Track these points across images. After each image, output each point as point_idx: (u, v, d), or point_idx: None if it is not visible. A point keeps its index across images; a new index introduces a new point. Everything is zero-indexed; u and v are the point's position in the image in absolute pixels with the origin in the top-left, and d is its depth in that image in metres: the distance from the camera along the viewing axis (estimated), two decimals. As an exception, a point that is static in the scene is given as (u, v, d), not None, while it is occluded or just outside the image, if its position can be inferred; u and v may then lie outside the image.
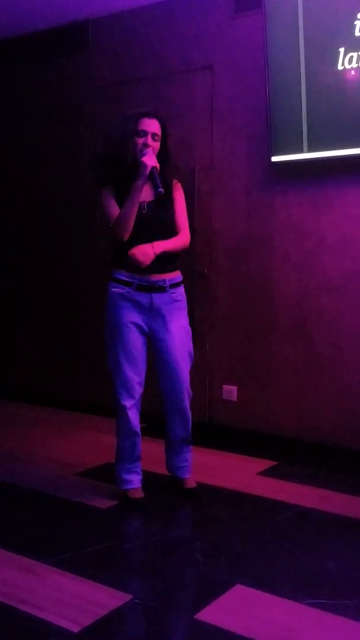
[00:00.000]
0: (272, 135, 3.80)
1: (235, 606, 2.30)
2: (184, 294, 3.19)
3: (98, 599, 2.32)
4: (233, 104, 4.11)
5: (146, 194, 3.05)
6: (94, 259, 4.78)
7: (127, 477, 3.16)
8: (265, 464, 3.76)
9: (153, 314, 3.09)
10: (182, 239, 3.15)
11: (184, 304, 3.18)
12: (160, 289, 3.08)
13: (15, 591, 2.38)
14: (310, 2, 3.59)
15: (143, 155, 2.98)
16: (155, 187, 2.95)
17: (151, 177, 2.95)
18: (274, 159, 3.82)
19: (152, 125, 3.04)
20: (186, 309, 3.20)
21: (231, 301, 4.19)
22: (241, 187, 4.11)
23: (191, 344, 3.21)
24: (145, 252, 2.99)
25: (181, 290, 3.17)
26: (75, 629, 2.15)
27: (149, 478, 3.32)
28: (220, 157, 4.17)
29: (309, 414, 3.93)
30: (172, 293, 3.12)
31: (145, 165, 2.94)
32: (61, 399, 4.99)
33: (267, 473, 3.63)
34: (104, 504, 3.18)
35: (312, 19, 3.60)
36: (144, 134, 3.02)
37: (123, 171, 3.04)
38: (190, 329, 3.21)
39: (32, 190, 5.13)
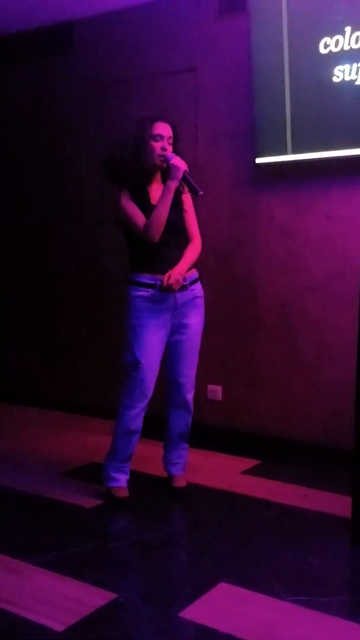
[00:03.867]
0: (256, 136, 3.82)
1: (220, 604, 2.32)
2: (202, 290, 3.25)
3: (82, 598, 2.34)
4: (217, 106, 4.13)
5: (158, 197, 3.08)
6: (83, 260, 4.78)
7: (114, 474, 3.18)
8: (249, 462, 3.78)
9: (176, 312, 3.14)
10: (195, 250, 3.22)
11: (202, 300, 3.24)
12: (182, 287, 3.12)
13: (-1, 591, 2.39)
14: (294, 4, 3.61)
15: (170, 158, 3.02)
16: (193, 190, 3.02)
17: (186, 181, 3.02)
18: (258, 160, 3.85)
19: (167, 129, 3.08)
20: (203, 305, 3.26)
21: (216, 302, 4.20)
22: (226, 189, 4.13)
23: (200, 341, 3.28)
24: (178, 280, 3.04)
25: (199, 286, 3.23)
26: (59, 628, 2.16)
27: (137, 477, 3.34)
28: (205, 159, 4.19)
29: (292, 413, 3.96)
30: (192, 290, 3.18)
31: (177, 168, 2.99)
32: (47, 399, 4.98)
33: (251, 472, 3.66)
34: (89, 503, 3.18)
35: (296, 21, 3.62)
36: (160, 138, 3.06)
37: (136, 174, 3.07)
38: (203, 324, 3.27)
39: (17, 191, 5.11)
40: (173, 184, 3.02)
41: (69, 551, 2.70)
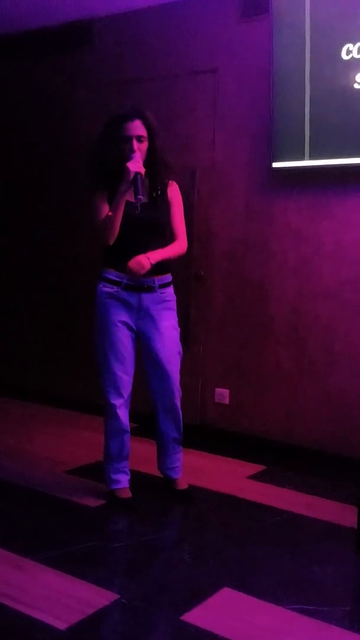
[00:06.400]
0: (274, 141, 3.81)
1: (221, 609, 2.32)
2: (174, 295, 3.20)
3: (85, 597, 2.33)
4: (236, 108, 4.12)
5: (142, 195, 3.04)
6: (88, 257, 4.77)
7: (115, 476, 3.17)
8: (255, 468, 3.77)
9: (142, 314, 3.11)
10: (178, 248, 3.16)
11: (173, 304, 3.19)
12: (149, 289, 3.09)
13: (2, 588, 2.39)
14: (317, 9, 3.60)
15: (129, 160, 2.96)
16: (135, 193, 2.92)
17: (133, 183, 2.92)
18: (275, 164, 3.83)
19: (135, 128, 3.01)
20: (175, 309, 3.21)
21: (227, 304, 4.20)
22: (241, 191, 4.12)
23: (180, 344, 3.22)
24: (140, 262, 2.98)
25: (170, 290, 3.18)
26: (62, 626, 2.16)
27: (138, 478, 3.33)
28: (222, 161, 4.18)
29: (300, 419, 3.94)
30: (161, 293, 3.13)
31: (128, 171, 2.92)
32: (53, 396, 4.98)
33: (257, 477, 3.65)
34: (93, 502, 3.18)
35: (319, 26, 3.61)
36: (128, 138, 3.00)
37: (110, 177, 3.03)
38: (179, 329, 3.23)
39: (31, 188, 5.12)
40: (123, 187, 2.94)
41: (73, 550, 2.69)
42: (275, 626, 2.22)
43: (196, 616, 2.25)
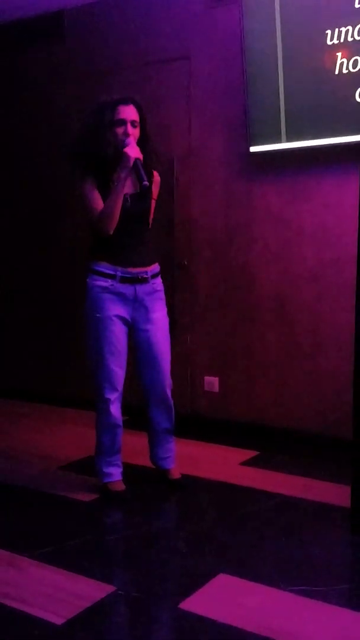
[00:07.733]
0: (250, 125, 3.79)
1: (219, 595, 2.31)
2: (162, 284, 3.19)
3: (81, 591, 2.32)
4: (211, 94, 4.09)
5: (128, 186, 3.00)
6: (76, 253, 4.75)
7: (107, 470, 3.15)
8: (247, 454, 3.77)
9: (137, 305, 3.08)
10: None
11: (163, 294, 3.19)
12: (143, 280, 3.07)
13: (-2, 586, 2.37)
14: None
15: (125, 145, 2.92)
16: (139, 179, 2.89)
17: (135, 170, 2.89)
18: (253, 149, 3.82)
19: (129, 113, 2.97)
20: (164, 299, 3.20)
21: (211, 292, 4.19)
22: (220, 177, 4.11)
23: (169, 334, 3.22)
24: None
25: (159, 280, 3.17)
26: (59, 621, 2.14)
27: (131, 470, 3.32)
28: (199, 148, 4.16)
29: (290, 403, 3.94)
30: (153, 283, 3.12)
31: (128, 157, 2.89)
32: (42, 393, 4.96)
33: (250, 463, 3.64)
34: (87, 497, 3.17)
35: (289, 7, 3.59)
36: (123, 122, 2.95)
37: (102, 163, 2.98)
38: (168, 318, 3.22)
39: (9, 185, 5.07)
40: (122, 174, 2.91)
41: (67, 545, 2.68)
42: (274, 609, 2.22)
43: (194, 603, 2.24)
